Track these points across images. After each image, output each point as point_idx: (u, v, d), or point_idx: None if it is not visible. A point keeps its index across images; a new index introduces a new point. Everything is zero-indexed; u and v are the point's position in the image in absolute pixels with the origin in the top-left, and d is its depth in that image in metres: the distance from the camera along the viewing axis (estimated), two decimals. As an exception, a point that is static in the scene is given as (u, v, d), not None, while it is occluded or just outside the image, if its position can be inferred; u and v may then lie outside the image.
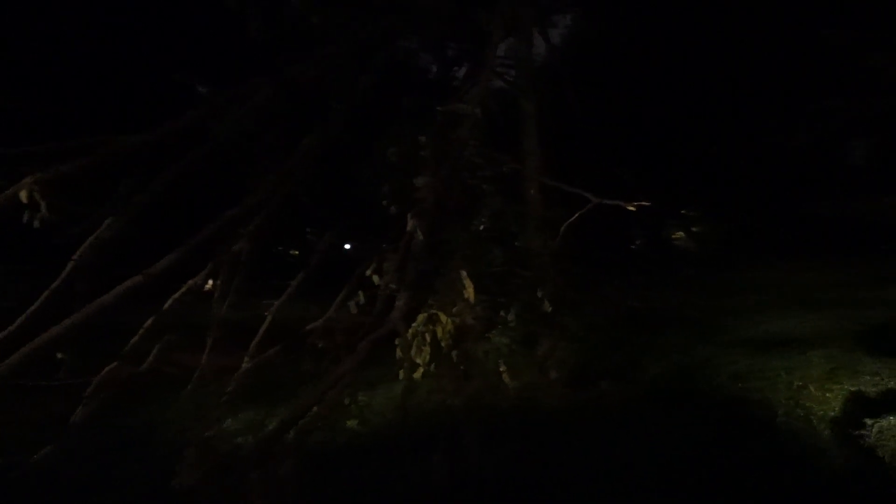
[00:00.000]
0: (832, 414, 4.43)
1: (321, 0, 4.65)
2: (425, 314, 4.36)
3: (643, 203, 5.72)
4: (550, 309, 7.36)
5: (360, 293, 5.03)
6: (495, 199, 7.68)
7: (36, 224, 3.67)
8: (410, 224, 4.45)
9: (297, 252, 30.76)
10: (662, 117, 18.22)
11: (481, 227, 7.62)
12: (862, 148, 18.68)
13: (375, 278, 4.58)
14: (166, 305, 4.92)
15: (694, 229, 27.46)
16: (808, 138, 11.03)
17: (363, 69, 5.40)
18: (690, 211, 27.44)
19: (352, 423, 6.30)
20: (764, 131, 12.95)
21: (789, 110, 11.45)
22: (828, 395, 4.72)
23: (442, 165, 6.83)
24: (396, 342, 4.12)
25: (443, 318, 4.27)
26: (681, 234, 29.27)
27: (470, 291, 4.38)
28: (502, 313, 7.26)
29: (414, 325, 4.22)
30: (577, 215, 6.79)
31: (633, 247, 29.42)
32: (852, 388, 4.78)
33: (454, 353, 4.55)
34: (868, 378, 5.02)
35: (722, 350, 7.27)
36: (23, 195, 3.58)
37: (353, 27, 5.04)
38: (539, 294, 7.36)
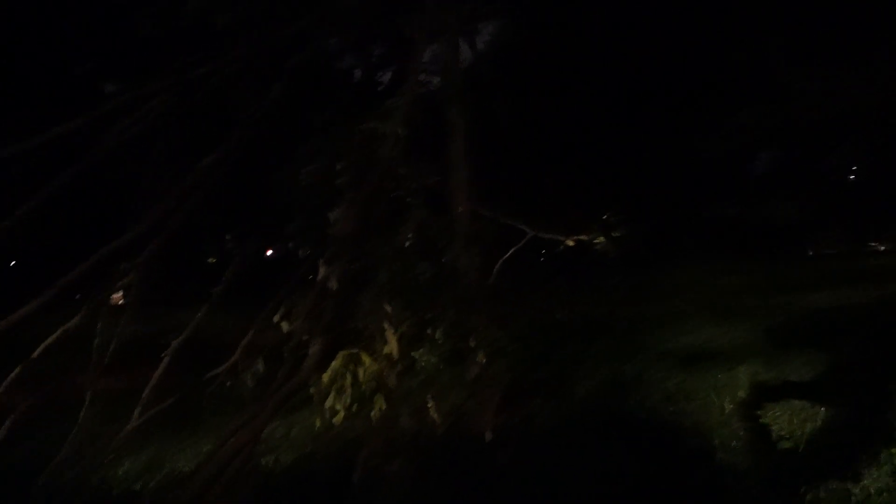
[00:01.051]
0: (765, 443, 4.35)
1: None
2: (345, 354, 3.96)
3: (581, 237, 5.53)
4: (479, 325, 7.16)
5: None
6: (420, 212, 7.36)
7: None
8: (323, 271, 4.05)
9: (213, 259, 29.42)
10: (582, 124, 18.52)
11: (406, 244, 7.32)
12: (767, 158, 19.73)
13: (284, 325, 4.15)
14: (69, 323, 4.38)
15: (614, 234, 28.14)
16: (721, 150, 11.41)
17: (275, 74, 4.96)
18: (610, 215, 28.14)
19: (267, 461, 5.82)
20: (679, 141, 13.36)
21: (704, 122, 11.85)
22: (760, 420, 4.68)
23: (362, 187, 6.44)
24: (311, 390, 3.72)
25: (365, 359, 3.89)
26: (601, 238, 29.97)
27: (393, 346, 4.02)
28: (429, 331, 7.01)
29: (333, 365, 3.84)
30: (511, 251, 6.54)
31: (558, 251, 29.96)
32: (780, 413, 4.75)
33: (377, 396, 4.18)
34: (797, 402, 4.99)
35: (650, 364, 7.24)
36: None
37: (263, 28, 4.59)
38: (467, 309, 7.13)
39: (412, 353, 7.03)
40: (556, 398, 6.83)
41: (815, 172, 22.00)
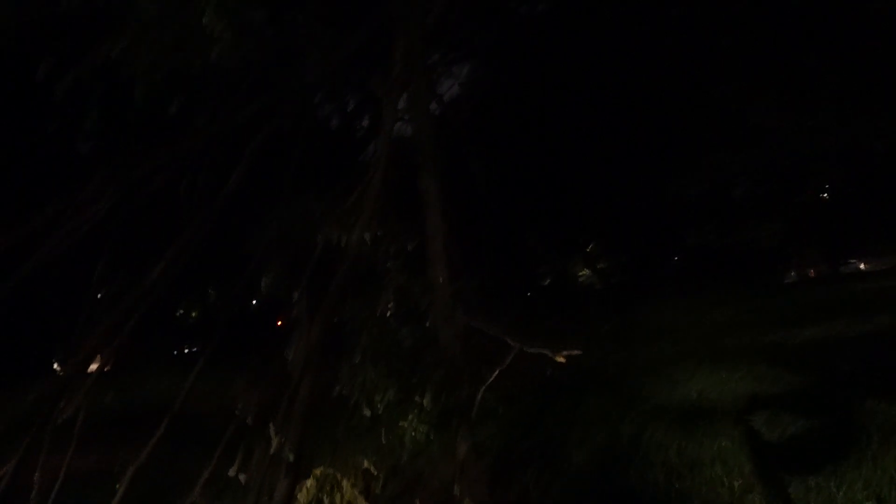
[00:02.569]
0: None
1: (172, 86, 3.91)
2: (322, 473, 3.65)
3: (573, 352, 5.28)
4: (467, 387, 6.91)
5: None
6: (399, 276, 7.14)
7: None
8: (295, 369, 3.76)
9: (195, 314, 28.79)
10: (558, 163, 18.57)
11: (388, 314, 7.09)
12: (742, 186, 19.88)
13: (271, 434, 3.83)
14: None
15: (599, 266, 28.14)
16: (700, 188, 11.44)
17: (235, 157, 4.73)
18: (594, 248, 28.17)
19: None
20: (656, 180, 13.40)
21: (680, 161, 11.88)
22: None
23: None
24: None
25: (346, 485, 3.58)
26: (586, 270, 29.90)
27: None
28: (417, 398, 6.74)
29: (307, 484, 3.51)
30: (507, 362, 6.29)
31: (543, 285, 29.81)
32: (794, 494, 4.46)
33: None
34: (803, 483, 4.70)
35: (647, 424, 6.95)
36: None
37: (219, 111, 4.37)
38: (453, 372, 6.87)
39: (400, 423, 6.78)
40: (551, 469, 6.51)
41: (790, 195, 22.27)
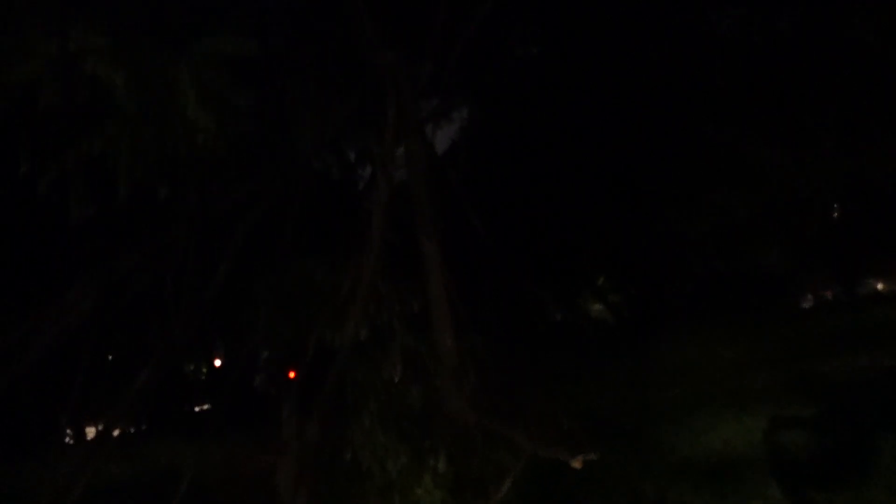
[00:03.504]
0: None
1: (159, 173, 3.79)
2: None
3: (591, 457, 5.06)
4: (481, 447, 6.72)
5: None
6: (406, 338, 6.98)
7: None
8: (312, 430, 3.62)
9: (205, 371, 28.48)
10: (565, 198, 18.47)
11: (396, 379, 6.90)
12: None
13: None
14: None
15: (611, 299, 27.79)
16: (704, 224, 11.33)
17: (222, 245, 4.61)
18: (605, 281, 27.85)
19: None
20: (661, 213, 13.27)
21: (685, 196, 11.77)
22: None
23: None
24: None
25: None
26: (598, 304, 29.53)
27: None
28: (431, 462, 6.55)
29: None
30: (519, 469, 6.08)
31: (555, 320, 29.42)
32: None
33: None
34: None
35: (671, 482, 6.64)
36: None
37: (209, 196, 4.26)
38: (465, 433, 6.67)
39: (415, 490, 6.61)
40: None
41: (798, 219, 21.96)
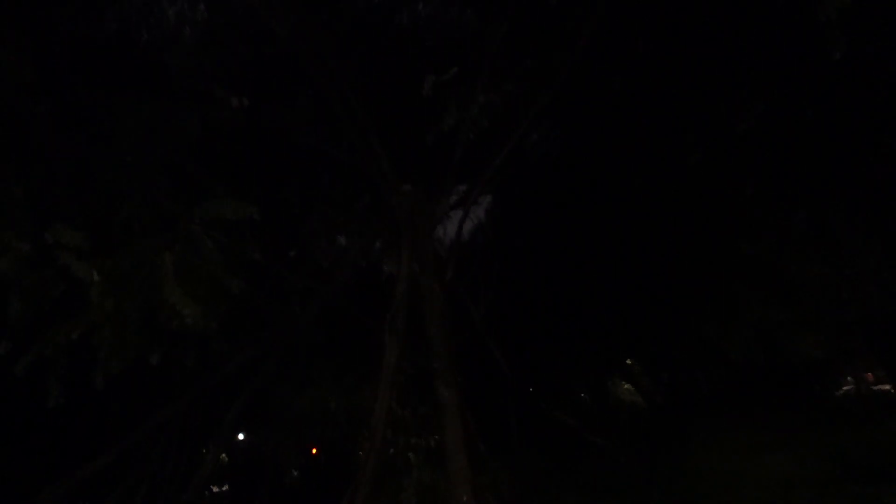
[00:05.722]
0: None
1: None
2: None
3: None
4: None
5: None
6: (424, 473, 6.59)
7: None
8: None
9: (225, 458, 27.87)
10: (592, 284, 18.00)
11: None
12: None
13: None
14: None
15: (642, 383, 26.74)
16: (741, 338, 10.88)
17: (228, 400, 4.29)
18: (635, 363, 26.90)
19: None
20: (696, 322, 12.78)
21: (723, 315, 11.32)
22: None
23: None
24: None
25: None
26: (628, 385, 28.44)
27: None
28: None
29: None
30: None
31: (580, 398, 28.29)
32: None
33: None
34: None
35: None
36: None
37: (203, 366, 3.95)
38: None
39: None
40: None
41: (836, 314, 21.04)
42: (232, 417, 4.30)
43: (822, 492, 9.68)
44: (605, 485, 12.64)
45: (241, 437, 24.58)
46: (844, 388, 26.47)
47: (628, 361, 27.24)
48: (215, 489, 25.32)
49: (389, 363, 5.57)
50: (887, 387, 23.30)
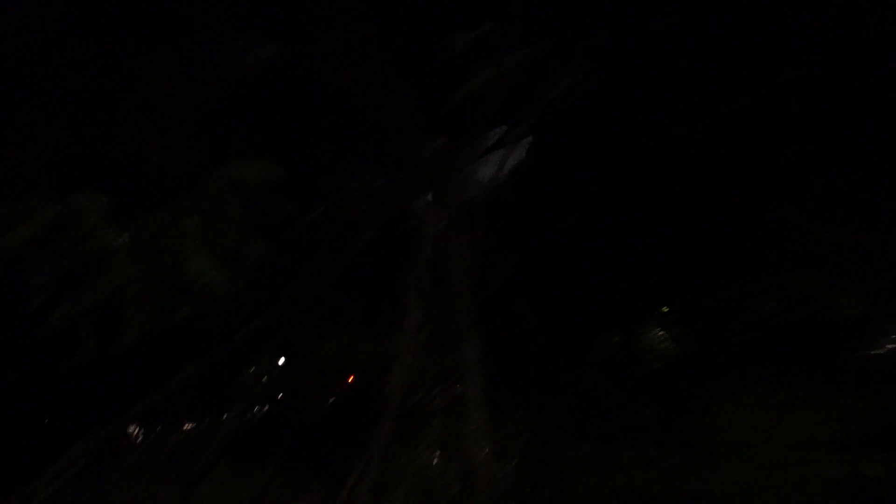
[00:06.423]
0: None
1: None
2: None
3: None
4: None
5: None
6: (447, 423, 6.83)
7: None
8: None
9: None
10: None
11: (434, 461, 6.82)
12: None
13: None
14: None
15: (676, 328, 26.65)
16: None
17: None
18: (668, 308, 26.76)
19: None
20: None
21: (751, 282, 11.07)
22: None
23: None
24: None
25: None
26: (660, 331, 28.42)
27: None
28: None
29: None
30: None
31: (611, 344, 28.36)
32: None
33: None
34: None
35: None
36: None
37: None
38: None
39: None
40: None
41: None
42: (258, 371, 4.45)
43: (842, 456, 9.61)
44: (624, 439, 12.81)
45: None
46: (888, 346, 25.99)
47: (664, 309, 27.07)
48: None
49: (413, 320, 5.65)
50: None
